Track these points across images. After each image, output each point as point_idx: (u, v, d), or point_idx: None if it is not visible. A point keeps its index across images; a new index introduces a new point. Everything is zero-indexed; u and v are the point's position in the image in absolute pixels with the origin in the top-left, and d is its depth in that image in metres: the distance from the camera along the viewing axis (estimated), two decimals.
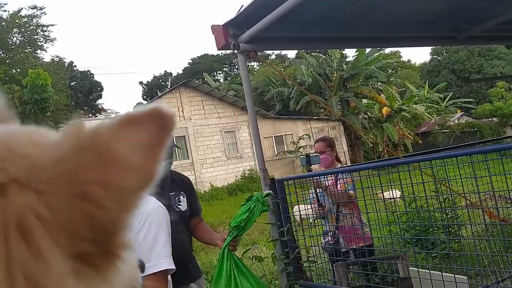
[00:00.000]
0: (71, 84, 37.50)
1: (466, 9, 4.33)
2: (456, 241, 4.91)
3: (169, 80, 51.43)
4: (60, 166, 0.33)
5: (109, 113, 38.70)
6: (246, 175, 19.91)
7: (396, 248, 4.41)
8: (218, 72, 51.50)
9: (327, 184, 3.78)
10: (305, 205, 4.06)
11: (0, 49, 25.47)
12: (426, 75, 39.95)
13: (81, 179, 0.33)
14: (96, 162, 0.33)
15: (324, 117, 24.46)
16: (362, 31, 4.32)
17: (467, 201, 3.32)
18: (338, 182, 3.82)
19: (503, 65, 35.72)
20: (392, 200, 4.89)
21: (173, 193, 3.02)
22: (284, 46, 4.24)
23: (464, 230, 4.95)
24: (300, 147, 21.81)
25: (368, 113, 25.65)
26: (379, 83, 26.06)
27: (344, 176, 3.77)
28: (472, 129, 27.21)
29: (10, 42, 26.29)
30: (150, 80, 53.07)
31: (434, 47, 43.32)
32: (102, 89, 45.01)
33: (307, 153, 4.18)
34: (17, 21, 26.30)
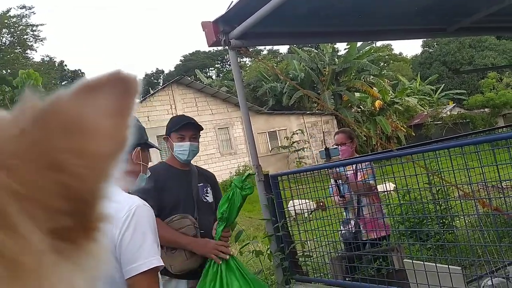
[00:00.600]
0: (62, 84, 37.26)
1: (455, 1, 4.35)
2: (450, 232, 4.95)
3: (161, 77, 51.22)
4: (24, 138, 0.31)
5: None
6: (241, 171, 19.91)
7: (391, 240, 4.43)
8: (210, 68, 51.39)
9: (347, 175, 3.82)
10: (300, 200, 4.07)
11: None
12: (418, 68, 40.09)
13: (49, 148, 0.31)
14: (62, 130, 0.32)
15: (317, 111, 24.49)
16: (353, 25, 4.33)
17: (460, 191, 3.34)
18: (359, 173, 3.87)
19: (494, 56, 35.93)
20: (386, 193, 4.93)
21: (201, 184, 3.07)
22: (275, 41, 4.24)
23: (457, 221, 4.99)
24: (294, 142, 21.84)
25: (361, 106, 25.71)
26: (371, 77, 26.11)
27: (364, 167, 3.82)
28: (465, 120, 27.38)
29: (0, 43, 26.04)
30: (142, 78, 52.82)
31: (425, 39, 43.47)
32: None
33: (326, 146, 4.20)
34: (6, 21, 26.05)
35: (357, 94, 25.17)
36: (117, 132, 0.33)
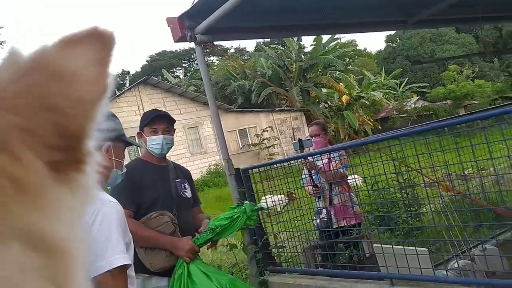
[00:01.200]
0: None
1: None
2: (417, 218, 5.11)
3: (127, 78, 50.31)
4: (20, 83, 0.35)
5: None
6: (212, 170, 19.85)
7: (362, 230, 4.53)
8: (177, 68, 50.87)
9: (320, 165, 3.89)
10: (272, 195, 4.11)
11: None
12: (382, 62, 40.99)
13: (43, 92, 0.35)
14: (51, 77, 0.36)
15: (286, 108, 24.68)
16: (317, 19, 4.40)
17: (424, 177, 3.46)
18: (332, 162, 3.95)
19: (454, 50, 37.13)
20: (355, 184, 5.03)
21: (179, 179, 3.03)
22: (241, 36, 4.25)
23: (424, 209, 5.14)
24: (264, 139, 21.94)
25: (328, 102, 26.07)
26: (338, 72, 26.52)
27: (337, 156, 3.91)
28: (428, 113, 28.18)
29: None
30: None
31: (388, 34, 44.46)
32: None
33: (299, 138, 4.27)
34: None
35: (324, 90, 25.50)
36: (99, 80, 0.38)
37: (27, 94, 0.35)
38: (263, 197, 4.08)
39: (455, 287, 2.74)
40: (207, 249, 3.44)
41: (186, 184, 3.05)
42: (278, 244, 3.81)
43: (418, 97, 32.15)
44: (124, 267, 1.77)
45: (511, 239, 3.83)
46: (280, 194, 4.24)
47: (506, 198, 3.99)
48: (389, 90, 31.87)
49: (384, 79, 32.45)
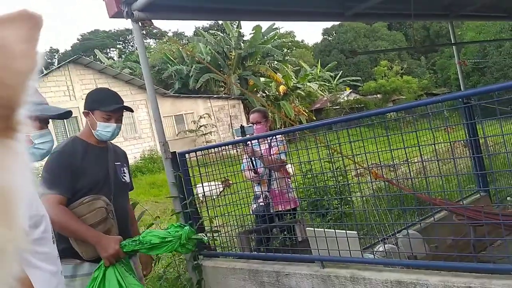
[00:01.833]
0: None
1: None
2: (347, 205, 5.33)
3: (56, 57, 47.48)
4: None
5: None
6: (146, 155, 19.36)
7: (297, 214, 4.64)
8: (111, 49, 48.75)
9: (261, 152, 3.89)
10: (209, 182, 4.08)
11: None
12: (318, 55, 42.03)
13: None
14: None
15: (224, 95, 24.58)
16: (257, 4, 4.38)
17: (355, 163, 3.60)
18: (272, 148, 3.97)
19: (385, 46, 38.88)
20: (289, 171, 5.13)
21: (118, 163, 2.87)
22: (180, 16, 4.13)
23: (354, 196, 5.37)
24: (201, 126, 21.73)
25: (265, 91, 26.33)
26: (276, 62, 26.82)
27: (277, 143, 3.95)
28: (360, 105, 29.39)
29: None
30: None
31: (325, 27, 45.59)
32: None
33: (241, 124, 4.25)
34: None
35: (262, 79, 25.70)
36: (30, 54, 0.42)
37: None
38: (199, 184, 4.04)
39: (381, 268, 2.88)
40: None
41: (125, 168, 2.93)
42: (213, 229, 3.80)
43: (351, 90, 33.41)
44: None
45: (432, 224, 4.11)
46: (215, 180, 4.22)
47: (430, 186, 4.28)
48: (324, 82, 32.79)
49: (319, 71, 33.31)
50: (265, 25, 26.45)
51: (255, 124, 4.25)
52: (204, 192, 4.01)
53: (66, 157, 2.63)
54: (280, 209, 4.07)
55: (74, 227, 2.52)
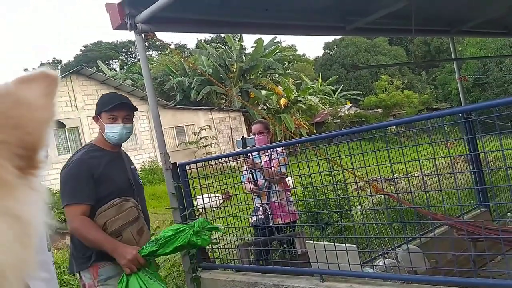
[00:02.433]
0: None
1: (353, 1, 4.66)
2: (347, 218, 5.31)
3: (59, 68, 47.76)
4: None
5: None
6: (146, 166, 19.35)
7: (296, 227, 4.63)
8: (114, 60, 49.05)
9: (261, 164, 3.91)
10: (209, 194, 4.07)
11: None
12: (319, 69, 42.26)
13: (9, 115, 0.47)
14: (14, 105, 0.48)
15: (225, 107, 24.64)
16: (259, 18, 4.42)
17: (356, 177, 3.60)
18: (273, 160, 3.98)
19: (386, 60, 39.12)
20: (289, 184, 5.13)
21: (133, 166, 2.92)
22: (183, 28, 4.17)
23: (354, 211, 5.36)
24: (202, 138, 21.75)
25: (267, 104, 26.41)
26: (277, 75, 26.94)
27: (280, 155, 3.97)
28: (360, 119, 29.45)
29: None
30: (36, 68, 48.68)
31: (326, 41, 45.92)
32: None
33: (243, 136, 4.28)
34: None
35: (263, 92, 25.80)
36: (48, 107, 0.51)
37: (0, 116, 0.46)
38: (199, 195, 4.04)
39: (380, 282, 2.86)
40: None
41: (137, 172, 2.98)
42: (212, 241, 3.78)
43: (352, 104, 33.51)
44: None
45: (432, 239, 4.09)
46: (215, 192, 4.21)
47: (430, 201, 4.27)
48: (325, 96, 32.90)
49: (320, 85, 33.46)
50: (267, 38, 26.70)
51: (256, 135, 4.28)
52: (204, 203, 4.00)
53: (86, 164, 2.63)
54: (279, 222, 4.06)
55: (92, 236, 2.52)
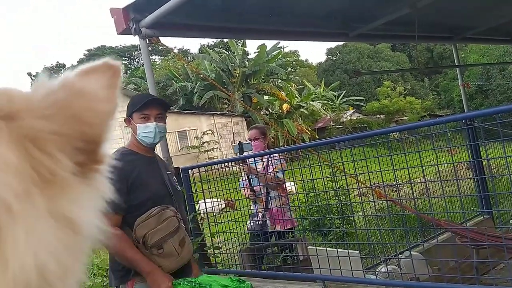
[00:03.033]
0: None
1: (356, 8, 4.67)
2: (349, 224, 5.29)
3: (62, 72, 47.95)
4: (50, 98, 0.44)
5: None
6: None
7: (296, 233, 4.62)
8: None
9: (258, 169, 3.91)
10: (211, 199, 4.07)
11: None
12: (322, 74, 42.32)
13: (70, 106, 0.44)
14: (76, 95, 0.45)
15: (227, 112, 24.68)
16: (263, 23, 4.44)
17: (358, 182, 3.59)
18: (270, 167, 3.98)
19: (388, 66, 39.16)
20: (290, 191, 5.12)
21: (169, 172, 2.79)
22: (187, 33, 4.19)
23: (356, 217, 5.35)
24: (204, 143, 21.77)
25: (269, 109, 26.43)
26: (279, 80, 26.99)
27: (275, 162, 3.95)
28: (363, 125, 29.44)
29: None
30: (40, 72, 48.85)
31: (329, 47, 46.02)
32: None
33: (239, 141, 4.28)
34: None
35: (266, 97, 25.83)
36: (111, 99, 0.48)
37: (59, 106, 0.44)
38: (202, 200, 4.04)
39: None
40: None
41: (175, 177, 2.84)
42: (214, 245, 3.78)
43: (354, 110, 33.51)
44: None
45: (435, 246, 4.07)
46: (218, 197, 4.21)
47: (433, 207, 4.26)
48: (327, 102, 32.92)
49: (323, 90, 33.49)
50: (270, 44, 26.74)
51: (253, 141, 4.28)
52: (206, 208, 4.00)
53: (119, 170, 2.49)
54: (277, 228, 4.04)
55: (129, 255, 2.38)
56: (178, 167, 3.83)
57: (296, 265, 3.63)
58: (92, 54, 49.68)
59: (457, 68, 7.86)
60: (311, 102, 28.95)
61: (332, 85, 34.99)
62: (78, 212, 0.43)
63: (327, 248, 3.11)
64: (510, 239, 3.53)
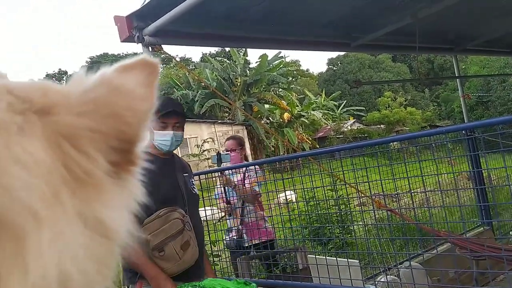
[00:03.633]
0: None
1: (358, 18, 4.71)
2: (349, 234, 5.29)
3: (65, 79, 48.17)
4: (88, 95, 0.43)
5: None
6: None
7: (296, 243, 4.61)
8: None
9: (236, 181, 3.86)
10: (211, 206, 4.06)
11: None
12: (323, 84, 42.47)
13: (107, 103, 0.43)
14: (113, 92, 0.44)
15: (228, 121, 24.73)
16: (265, 32, 4.47)
17: (358, 192, 3.60)
18: (246, 179, 3.93)
19: (389, 77, 39.31)
20: (290, 200, 5.10)
21: (186, 174, 2.77)
22: (190, 42, 4.23)
23: (356, 227, 5.34)
24: (205, 150, 21.79)
25: (270, 118, 26.48)
26: (280, 90, 27.08)
27: (252, 175, 3.91)
28: (363, 135, 29.47)
29: None
30: (42, 79, 48.96)
31: (330, 57, 46.23)
32: None
33: (218, 151, 4.22)
34: None
35: (266, 106, 25.90)
36: (148, 97, 0.46)
37: (96, 103, 0.42)
38: (202, 208, 4.03)
39: None
40: None
41: (193, 180, 2.84)
42: (214, 253, 3.78)
43: (355, 119, 33.57)
44: None
45: (435, 257, 4.06)
46: (217, 204, 4.21)
47: (433, 218, 4.26)
48: (328, 111, 32.99)
49: (324, 100, 33.57)
50: (271, 53, 26.88)
51: (230, 152, 4.20)
52: (206, 215, 4.00)
53: None
54: (256, 242, 3.92)
55: (134, 258, 2.35)
56: None
57: (295, 273, 3.61)
58: (95, 62, 49.92)
59: (457, 79, 7.90)
60: (311, 112, 29.01)
61: (333, 95, 35.09)
62: (111, 215, 0.41)
63: (327, 257, 3.11)
64: (510, 251, 3.52)
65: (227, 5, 3.72)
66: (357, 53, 37.56)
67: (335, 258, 3.06)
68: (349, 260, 2.99)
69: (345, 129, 29.86)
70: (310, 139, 26.93)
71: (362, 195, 3.61)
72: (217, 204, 4.11)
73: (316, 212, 4.64)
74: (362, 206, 4.99)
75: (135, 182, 0.47)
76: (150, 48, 3.74)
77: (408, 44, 5.57)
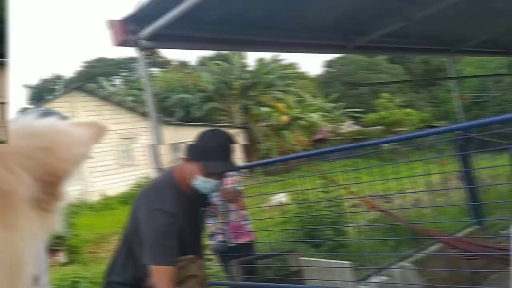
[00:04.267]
0: None
1: (354, 20, 4.74)
2: (341, 236, 5.31)
3: (59, 83, 48.01)
4: (33, 130, 0.48)
5: None
6: (142, 184, 19.23)
7: (289, 245, 4.64)
8: (115, 77, 49.31)
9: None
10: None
11: None
12: (321, 86, 42.48)
13: (48, 137, 0.47)
14: (57, 132, 0.49)
15: (226, 124, 24.73)
16: (262, 35, 4.48)
17: (350, 193, 3.63)
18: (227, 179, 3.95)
19: (386, 78, 39.31)
20: (281, 203, 5.12)
21: (203, 208, 2.68)
22: (186, 45, 4.24)
23: (349, 228, 5.36)
24: None
25: (268, 120, 26.49)
26: (278, 92, 27.10)
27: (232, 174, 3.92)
28: (361, 137, 29.46)
29: None
30: (37, 84, 48.65)
31: (327, 59, 46.29)
32: None
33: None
34: None
35: (265, 109, 25.91)
36: (88, 146, 0.54)
37: (35, 135, 0.47)
38: None
39: None
40: None
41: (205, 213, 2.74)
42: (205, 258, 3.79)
43: (353, 121, 33.56)
44: None
45: (427, 257, 4.10)
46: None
47: (424, 218, 4.29)
48: (326, 113, 32.99)
49: (321, 102, 33.57)
50: (269, 56, 26.91)
51: None
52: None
53: (171, 216, 2.30)
54: (237, 242, 3.95)
55: None
56: None
57: (288, 276, 3.63)
58: (91, 66, 49.82)
59: (453, 80, 7.93)
60: (309, 114, 28.99)
61: (331, 97, 35.10)
62: (23, 245, 0.42)
63: (320, 259, 3.13)
64: (501, 249, 3.56)
65: (223, 8, 3.74)
66: (354, 55, 37.56)
67: (327, 260, 3.09)
68: (341, 261, 3.02)
69: (343, 131, 29.87)
70: (308, 141, 26.90)
71: (353, 196, 3.65)
72: None
73: (309, 214, 4.66)
74: (353, 208, 5.03)
75: (53, 217, 0.49)
76: (146, 52, 3.76)
77: (404, 46, 5.60)
